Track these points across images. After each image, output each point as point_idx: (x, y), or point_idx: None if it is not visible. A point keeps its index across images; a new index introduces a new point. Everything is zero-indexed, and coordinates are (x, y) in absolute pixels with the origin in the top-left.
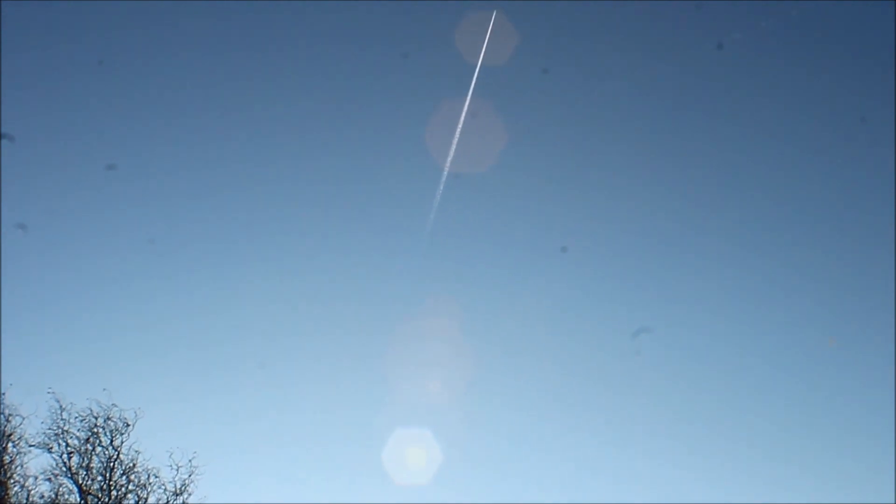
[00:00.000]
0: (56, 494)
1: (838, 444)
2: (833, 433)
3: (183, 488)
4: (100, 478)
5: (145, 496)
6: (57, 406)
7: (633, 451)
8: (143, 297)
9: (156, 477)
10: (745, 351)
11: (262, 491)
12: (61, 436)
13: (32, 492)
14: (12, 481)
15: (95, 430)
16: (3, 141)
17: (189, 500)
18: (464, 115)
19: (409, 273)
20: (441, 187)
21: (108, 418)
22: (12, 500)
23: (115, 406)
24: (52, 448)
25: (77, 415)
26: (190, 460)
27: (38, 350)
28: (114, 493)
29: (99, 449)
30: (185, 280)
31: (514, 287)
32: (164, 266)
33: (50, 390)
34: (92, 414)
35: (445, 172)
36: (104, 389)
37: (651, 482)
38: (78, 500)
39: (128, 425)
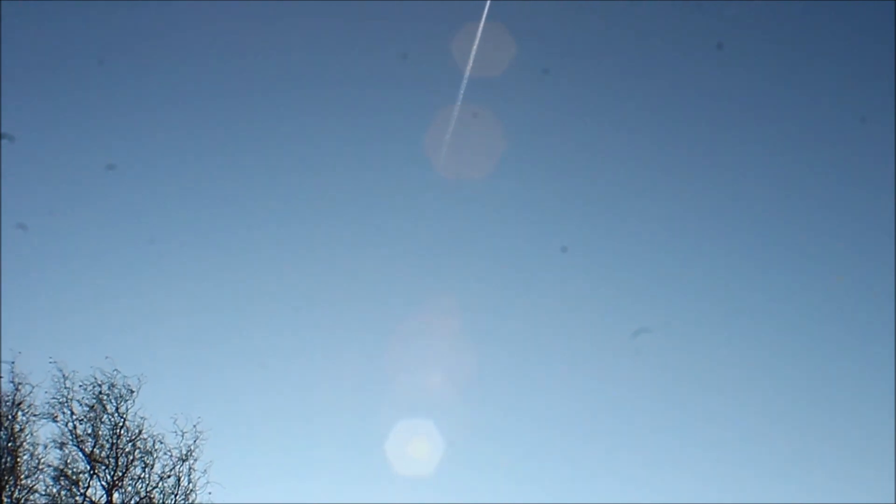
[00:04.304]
0: (65, 463)
1: (839, 444)
2: (833, 433)
3: (188, 454)
4: (107, 445)
5: (152, 463)
6: (60, 375)
7: (632, 451)
8: (145, 290)
9: (161, 443)
10: (745, 350)
11: (266, 478)
12: (66, 404)
13: (42, 460)
14: (22, 450)
15: (101, 397)
16: (3, 141)
17: (195, 466)
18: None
19: (414, 271)
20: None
21: (113, 385)
22: (22, 468)
23: (118, 373)
24: (57, 417)
25: (81, 383)
26: (195, 425)
27: (43, 327)
28: (121, 460)
29: (105, 416)
30: (188, 277)
31: (515, 286)
32: (165, 263)
33: (52, 359)
34: (96, 382)
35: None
36: (107, 357)
37: (651, 482)
38: (86, 467)
39: (132, 392)
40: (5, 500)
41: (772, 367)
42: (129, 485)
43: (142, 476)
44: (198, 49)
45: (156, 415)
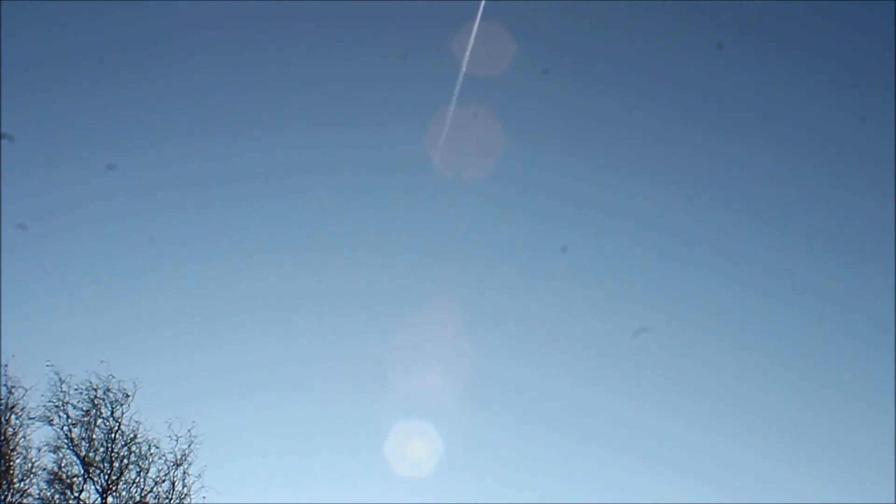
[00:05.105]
0: (59, 466)
1: (839, 444)
2: (834, 433)
3: (183, 458)
4: (102, 449)
5: (146, 467)
6: (56, 378)
7: (632, 451)
8: (143, 291)
9: (156, 448)
10: (744, 350)
11: (265, 479)
12: (62, 408)
13: (36, 463)
14: (16, 453)
15: (96, 401)
16: (3, 141)
17: (189, 471)
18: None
19: (413, 271)
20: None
21: (108, 389)
22: (15, 471)
23: (114, 377)
24: (52, 420)
25: (76, 387)
26: (189, 430)
27: (39, 329)
28: (115, 464)
29: (100, 420)
30: (188, 278)
31: (515, 286)
32: (164, 264)
33: (49, 363)
34: (91, 386)
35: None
36: (102, 361)
37: (651, 482)
38: (81, 471)
39: (127, 396)
40: None
41: (772, 366)
42: (124, 489)
43: (136, 480)
44: (198, 49)
45: (152, 419)
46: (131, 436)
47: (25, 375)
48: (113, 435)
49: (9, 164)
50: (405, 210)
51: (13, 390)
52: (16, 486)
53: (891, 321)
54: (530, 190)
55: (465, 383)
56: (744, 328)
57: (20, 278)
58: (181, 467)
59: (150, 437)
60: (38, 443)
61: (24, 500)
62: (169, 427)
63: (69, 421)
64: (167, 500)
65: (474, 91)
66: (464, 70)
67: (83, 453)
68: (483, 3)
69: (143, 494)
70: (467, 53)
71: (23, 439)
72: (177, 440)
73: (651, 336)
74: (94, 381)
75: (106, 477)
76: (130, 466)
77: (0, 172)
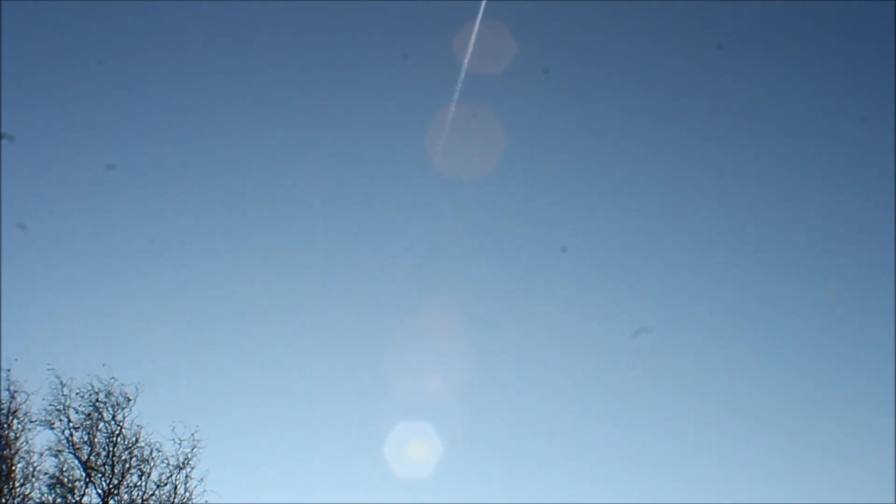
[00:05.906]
0: (61, 470)
1: (839, 445)
2: (834, 433)
3: (185, 462)
4: (103, 453)
5: (148, 471)
6: (57, 382)
7: (632, 451)
8: (143, 293)
9: (158, 451)
10: (744, 351)
11: (265, 481)
12: (63, 412)
13: (37, 467)
14: (17, 457)
15: (97, 405)
16: (3, 141)
17: (192, 474)
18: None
19: (413, 271)
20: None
21: (110, 393)
22: (17, 475)
23: (115, 380)
24: (54, 424)
25: (78, 391)
26: (192, 434)
27: (39, 332)
28: (117, 468)
29: (101, 424)
30: (188, 279)
31: (515, 286)
32: (164, 265)
33: (50, 367)
34: (93, 389)
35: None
36: (104, 365)
37: (651, 482)
38: (82, 475)
39: (129, 400)
40: None
41: (772, 366)
42: (126, 493)
43: (138, 484)
44: (198, 49)
45: (154, 422)
46: (133, 439)
47: (27, 379)
48: (114, 438)
49: (9, 164)
50: (405, 210)
51: (15, 395)
52: (17, 489)
53: (891, 321)
54: (530, 190)
55: (465, 384)
56: (744, 328)
57: (20, 278)
58: (183, 471)
59: (152, 441)
60: (39, 447)
61: None
62: (172, 430)
63: (70, 425)
64: None
65: (475, 91)
66: (464, 70)
67: (85, 457)
68: (483, 3)
69: (144, 498)
70: (468, 53)
71: (25, 443)
72: (179, 443)
73: (651, 336)
74: (96, 385)
75: (108, 481)
76: (132, 470)
77: (0, 172)
